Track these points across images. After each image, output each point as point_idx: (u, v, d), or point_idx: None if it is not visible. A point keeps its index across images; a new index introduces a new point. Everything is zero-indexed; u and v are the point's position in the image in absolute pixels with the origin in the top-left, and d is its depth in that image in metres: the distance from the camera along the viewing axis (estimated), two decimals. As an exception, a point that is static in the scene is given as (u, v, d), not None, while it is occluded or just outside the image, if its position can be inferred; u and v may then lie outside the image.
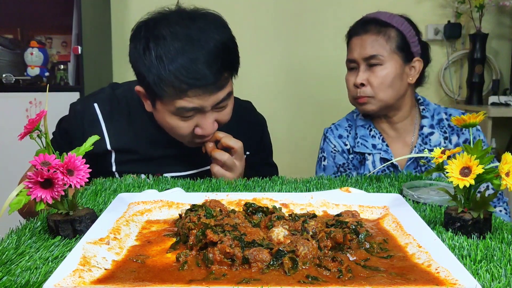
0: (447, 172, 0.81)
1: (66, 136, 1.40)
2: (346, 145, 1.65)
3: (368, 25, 1.59)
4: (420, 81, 1.65)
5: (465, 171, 0.80)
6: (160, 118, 1.29)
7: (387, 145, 1.62)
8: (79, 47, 2.41)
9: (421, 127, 1.62)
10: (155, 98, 1.25)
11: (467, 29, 3.05)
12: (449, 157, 0.84)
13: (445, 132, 1.61)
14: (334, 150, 1.66)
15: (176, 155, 1.39)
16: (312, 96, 3.02)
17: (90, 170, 0.82)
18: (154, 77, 1.19)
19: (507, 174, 0.78)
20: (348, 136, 1.67)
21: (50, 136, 0.85)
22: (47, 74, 2.54)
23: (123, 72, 2.87)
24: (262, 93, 2.94)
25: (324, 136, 1.70)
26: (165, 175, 1.35)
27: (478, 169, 0.79)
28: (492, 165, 0.82)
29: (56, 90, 2.41)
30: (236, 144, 1.32)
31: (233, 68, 1.29)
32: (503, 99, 2.87)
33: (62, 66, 2.55)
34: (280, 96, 3.02)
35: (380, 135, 1.63)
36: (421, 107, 1.65)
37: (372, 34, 1.57)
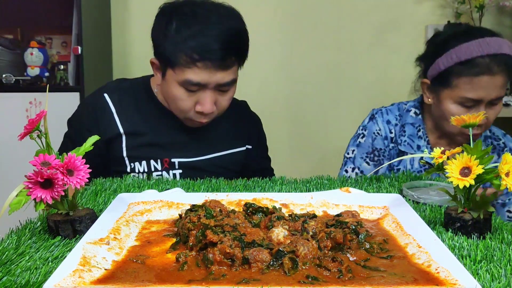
0: (447, 172, 0.81)
1: (80, 128, 1.46)
2: (391, 132, 1.61)
3: (499, 62, 1.42)
4: None
5: (465, 171, 0.80)
6: (166, 89, 1.37)
7: (431, 148, 1.58)
8: (79, 47, 2.40)
9: None
10: (166, 68, 1.34)
11: (467, 29, 3.04)
12: (448, 158, 0.84)
13: None
14: (378, 132, 1.61)
15: (184, 141, 1.46)
16: (313, 97, 3.02)
17: (90, 170, 0.82)
18: (171, 45, 1.31)
19: (507, 174, 0.78)
20: (396, 125, 1.61)
21: (51, 136, 0.84)
22: (47, 74, 2.53)
23: (123, 72, 2.87)
24: (262, 93, 2.94)
25: (372, 115, 1.65)
26: (173, 160, 1.43)
27: (478, 169, 0.79)
28: (492, 165, 0.82)
29: (56, 90, 2.40)
30: None
31: (241, 56, 1.38)
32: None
33: (62, 66, 2.54)
34: (280, 96, 3.02)
35: (427, 137, 1.59)
36: None
37: (503, 73, 1.43)
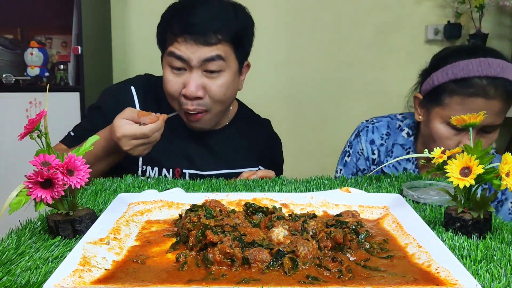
0: (447, 172, 0.81)
1: (99, 111, 1.43)
2: (373, 154, 1.51)
3: (498, 86, 1.29)
4: None
5: (465, 171, 0.80)
6: (163, 74, 1.39)
7: (418, 172, 1.47)
8: (79, 47, 2.40)
9: None
10: (163, 52, 1.38)
11: (467, 29, 3.04)
12: (448, 157, 0.84)
13: None
14: (361, 152, 1.53)
15: (198, 153, 1.44)
16: (313, 97, 3.02)
17: (90, 170, 0.82)
18: (162, 24, 1.38)
19: (507, 174, 0.78)
20: (381, 145, 1.50)
21: (51, 136, 0.84)
22: (47, 74, 2.53)
23: (123, 72, 2.87)
24: (263, 94, 2.94)
25: (358, 132, 1.56)
26: (184, 171, 1.42)
27: (478, 169, 0.79)
28: (492, 165, 0.82)
29: (56, 90, 2.40)
30: (270, 173, 1.34)
31: (233, 36, 1.34)
32: (503, 99, 2.86)
33: (62, 66, 2.54)
34: (280, 96, 3.02)
35: (415, 160, 1.48)
36: None
37: (500, 99, 1.30)
